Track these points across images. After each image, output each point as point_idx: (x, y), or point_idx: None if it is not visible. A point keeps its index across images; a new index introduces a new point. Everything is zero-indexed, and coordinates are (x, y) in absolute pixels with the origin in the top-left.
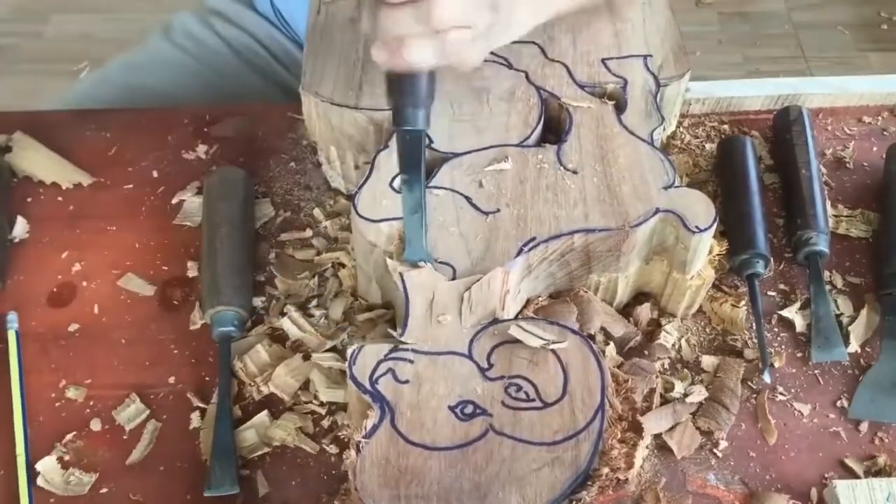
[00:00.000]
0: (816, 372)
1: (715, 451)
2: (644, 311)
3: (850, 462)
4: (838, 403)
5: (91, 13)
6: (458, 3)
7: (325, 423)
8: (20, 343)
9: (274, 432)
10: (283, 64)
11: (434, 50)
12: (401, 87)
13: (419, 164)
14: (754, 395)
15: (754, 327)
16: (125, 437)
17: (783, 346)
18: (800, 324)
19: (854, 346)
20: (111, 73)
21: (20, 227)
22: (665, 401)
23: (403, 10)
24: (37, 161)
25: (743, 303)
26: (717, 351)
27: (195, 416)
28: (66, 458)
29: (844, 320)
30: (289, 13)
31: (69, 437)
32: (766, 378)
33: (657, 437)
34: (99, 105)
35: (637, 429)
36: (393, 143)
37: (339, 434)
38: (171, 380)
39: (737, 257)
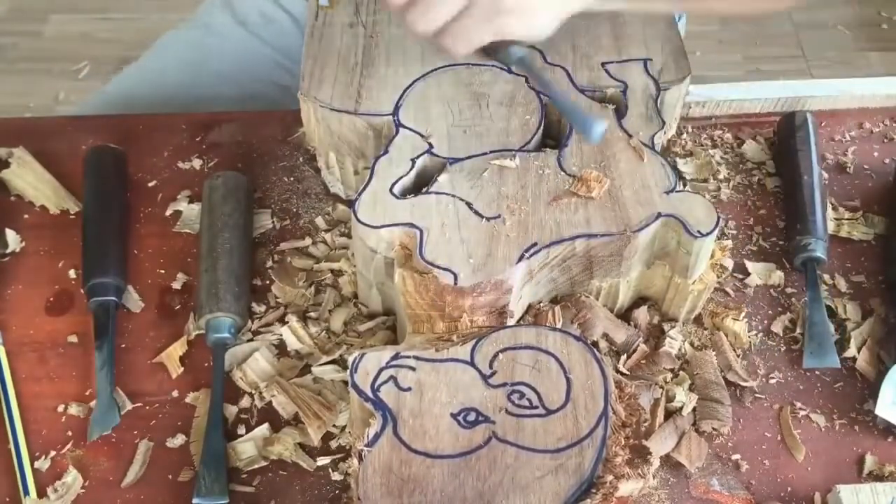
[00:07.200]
0: (818, 376)
1: (721, 453)
2: (642, 315)
3: (868, 458)
4: (842, 409)
5: (91, 13)
6: None
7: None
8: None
9: (272, 447)
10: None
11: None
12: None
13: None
14: (756, 397)
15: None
16: (122, 447)
17: (787, 353)
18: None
19: (853, 352)
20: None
21: (12, 239)
22: (669, 412)
23: None
24: (30, 182)
25: (743, 315)
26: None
27: (191, 425)
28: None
29: (849, 325)
30: None
31: (69, 446)
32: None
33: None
34: (125, 102)
35: (644, 453)
36: (392, 148)
37: (341, 458)
38: (170, 387)
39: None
